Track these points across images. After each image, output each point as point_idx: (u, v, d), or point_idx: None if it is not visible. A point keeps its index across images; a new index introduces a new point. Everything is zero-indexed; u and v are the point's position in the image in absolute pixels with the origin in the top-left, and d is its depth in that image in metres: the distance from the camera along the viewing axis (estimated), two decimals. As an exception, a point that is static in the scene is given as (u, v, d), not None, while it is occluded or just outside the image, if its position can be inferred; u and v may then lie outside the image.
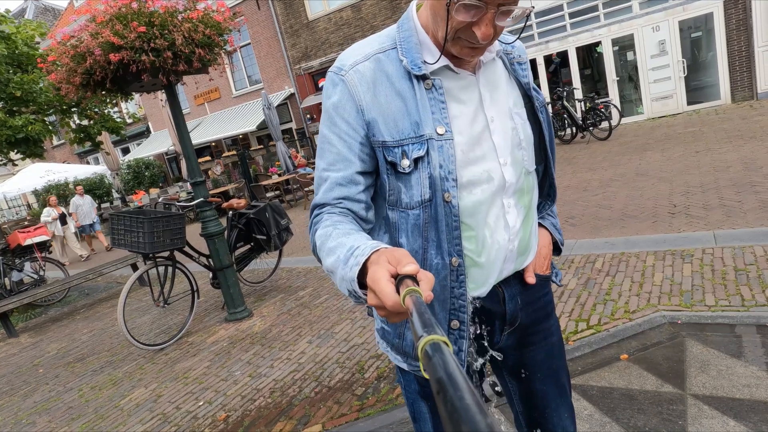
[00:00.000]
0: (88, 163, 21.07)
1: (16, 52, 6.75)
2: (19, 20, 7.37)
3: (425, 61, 0.88)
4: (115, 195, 15.82)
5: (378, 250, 0.68)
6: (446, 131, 0.87)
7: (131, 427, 2.89)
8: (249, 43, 15.27)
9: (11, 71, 6.71)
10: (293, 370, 3.12)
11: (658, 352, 2.45)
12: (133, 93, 4.38)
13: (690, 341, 2.48)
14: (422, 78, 0.88)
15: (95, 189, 16.39)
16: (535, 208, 1.06)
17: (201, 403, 2.97)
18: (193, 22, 3.42)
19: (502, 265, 0.97)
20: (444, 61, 0.88)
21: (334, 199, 0.90)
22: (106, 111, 7.79)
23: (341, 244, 0.77)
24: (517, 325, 1.05)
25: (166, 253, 3.98)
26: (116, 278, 7.91)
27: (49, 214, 10.00)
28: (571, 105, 10.24)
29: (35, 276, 7.28)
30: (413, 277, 0.58)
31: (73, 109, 7.36)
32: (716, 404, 2.00)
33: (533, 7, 1.00)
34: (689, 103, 10.12)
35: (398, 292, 0.57)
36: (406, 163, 0.87)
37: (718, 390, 2.09)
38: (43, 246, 7.34)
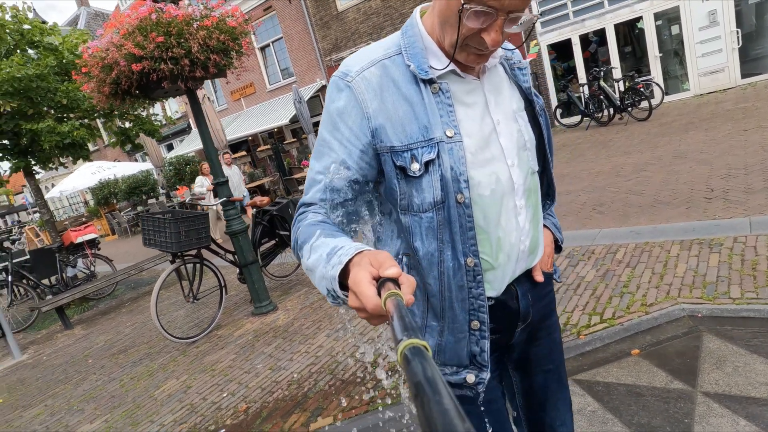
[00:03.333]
0: (136, 160, 22.15)
1: (64, 61, 7.17)
2: (68, 28, 7.79)
3: (431, 66, 0.89)
4: (161, 191, 16.59)
5: (361, 252, 0.68)
6: (455, 134, 0.88)
7: (163, 416, 3.09)
8: (281, 38, 15.49)
9: (59, 80, 7.14)
10: (310, 363, 3.24)
11: (672, 347, 2.38)
12: (160, 99, 4.57)
13: (708, 336, 2.38)
14: (429, 82, 0.88)
15: (141, 185, 17.22)
16: (541, 207, 1.07)
17: (225, 395, 3.14)
18: (208, 29, 3.53)
19: (515, 265, 0.99)
20: (450, 65, 0.89)
21: (322, 200, 0.91)
22: (143, 114, 8.15)
23: (324, 243, 0.78)
24: (528, 321, 1.07)
25: (193, 251, 4.18)
26: (159, 272, 8.34)
27: (202, 183, 8.72)
28: (609, 85, 9.79)
29: (87, 271, 7.80)
30: (395, 281, 0.59)
31: (115, 113, 7.77)
32: (728, 402, 1.93)
33: (540, 16, 0.99)
34: (744, 76, 9.40)
35: (380, 294, 0.57)
36: (416, 166, 0.87)
37: (732, 388, 2.01)
38: (93, 243, 7.82)
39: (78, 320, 6.74)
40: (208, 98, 11.20)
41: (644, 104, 8.95)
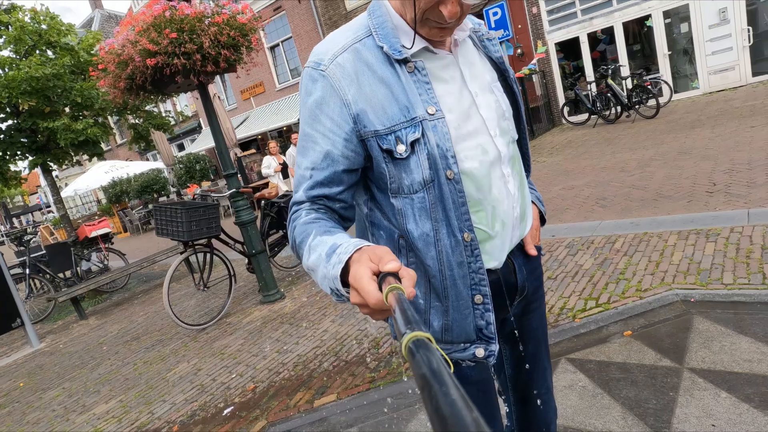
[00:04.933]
0: (147, 159, 22.49)
1: (80, 61, 7.38)
2: (83, 30, 8.00)
3: (403, 45, 0.88)
4: (171, 189, 16.87)
5: (360, 248, 0.68)
6: (437, 110, 0.88)
7: (174, 396, 3.23)
8: (290, 37, 15.69)
9: (74, 79, 7.34)
10: (316, 346, 3.36)
11: (664, 328, 2.46)
12: (173, 94, 4.73)
13: (698, 318, 2.46)
14: (404, 62, 0.88)
15: (152, 184, 17.51)
16: (524, 174, 1.10)
17: (233, 376, 3.27)
18: (218, 26, 3.67)
19: (511, 233, 1.00)
20: (422, 42, 0.88)
21: (314, 197, 0.90)
22: (155, 110, 8.35)
23: (323, 242, 0.77)
24: (525, 294, 1.10)
25: (203, 241, 4.33)
26: (170, 266, 8.52)
27: (269, 164, 8.13)
28: (617, 83, 9.82)
29: (100, 265, 8.01)
30: (395, 275, 0.59)
31: (126, 110, 7.96)
32: (712, 377, 2.02)
33: None
34: (755, 74, 9.35)
35: (381, 289, 0.58)
36: (401, 148, 0.87)
37: (717, 364, 2.09)
38: (106, 237, 8.03)
39: (92, 311, 6.92)
40: (218, 97, 11.40)
41: (652, 102, 8.98)
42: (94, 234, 7.87)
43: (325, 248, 0.75)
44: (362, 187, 1.00)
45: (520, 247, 1.07)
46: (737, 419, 1.78)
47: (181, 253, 4.34)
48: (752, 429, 1.71)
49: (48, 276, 7.33)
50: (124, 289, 7.90)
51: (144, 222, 17.30)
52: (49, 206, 27.69)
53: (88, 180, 15.97)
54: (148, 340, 4.63)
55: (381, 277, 0.60)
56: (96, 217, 17.12)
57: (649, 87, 9.01)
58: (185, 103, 19.24)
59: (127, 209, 18.36)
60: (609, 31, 10.80)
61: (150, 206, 17.43)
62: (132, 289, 7.76)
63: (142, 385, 3.59)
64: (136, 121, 8.31)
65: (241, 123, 17.09)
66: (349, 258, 0.68)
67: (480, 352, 0.97)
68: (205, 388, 3.22)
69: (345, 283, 0.69)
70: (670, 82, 9.94)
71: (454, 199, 0.89)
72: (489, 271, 0.97)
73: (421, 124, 0.86)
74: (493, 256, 0.97)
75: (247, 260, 4.76)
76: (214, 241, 4.48)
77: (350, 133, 0.88)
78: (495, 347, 0.97)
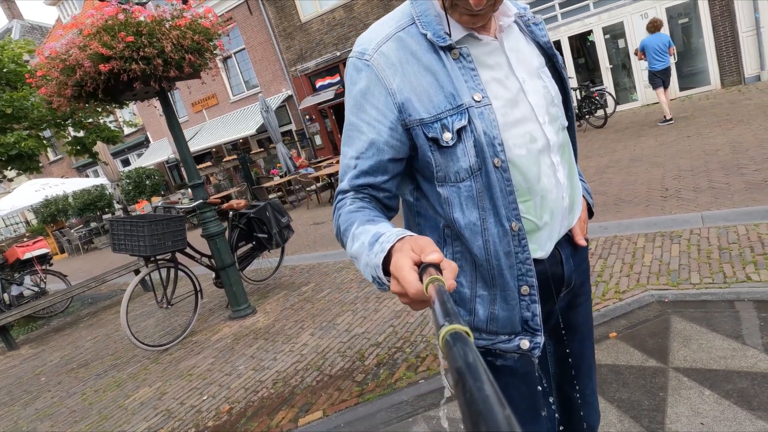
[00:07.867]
0: (87, 176, 21.16)
1: (4, 70, 6.80)
2: (3, 39, 7.41)
3: (447, 33, 0.86)
4: (117, 206, 15.92)
5: (403, 237, 0.68)
6: (483, 97, 0.86)
7: (135, 425, 2.95)
8: (244, 48, 15.38)
9: (1, 89, 6.75)
10: (296, 361, 3.21)
11: (645, 329, 2.53)
12: (128, 102, 4.44)
13: (675, 318, 2.56)
14: (448, 49, 0.86)
15: (96, 201, 16.47)
16: (574, 162, 1.07)
17: (205, 398, 3.05)
18: (181, 30, 3.48)
19: (560, 223, 0.98)
20: (466, 29, 0.87)
21: (359, 186, 0.90)
22: (101, 121, 7.83)
23: (366, 230, 0.77)
24: (571, 287, 1.07)
25: (167, 255, 4.06)
26: (120, 286, 7.97)
27: None
28: (568, 94, 10.29)
29: (36, 289, 7.30)
30: (437, 266, 0.59)
31: (67, 122, 7.41)
32: (695, 376, 2.09)
33: None
34: (681, 89, 10.16)
35: (421, 280, 0.58)
36: (448, 136, 0.86)
37: (697, 363, 2.17)
38: (44, 259, 7.37)
39: (24, 340, 6.30)
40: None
41: (600, 112, 9.46)
42: (28, 255, 7.18)
43: (368, 237, 0.75)
44: (407, 177, 0.98)
45: (568, 238, 1.04)
46: (721, 416, 1.83)
47: (136, 272, 4.03)
48: (735, 425, 1.77)
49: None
50: (66, 313, 7.28)
51: (85, 241, 16.18)
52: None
53: (14, 200, 14.73)
54: (100, 365, 4.26)
55: (422, 267, 0.60)
56: (25, 239, 15.82)
57: (596, 98, 9.52)
58: (133, 113, 18.32)
59: (65, 228, 17.11)
60: (557, 45, 11.39)
61: (92, 225, 16.36)
62: (75, 313, 7.17)
63: (94, 416, 3.25)
64: (78, 134, 7.77)
65: (193, 136, 16.46)
66: (392, 247, 0.68)
67: (525, 343, 0.95)
68: (172, 413, 2.98)
69: (387, 272, 0.69)
70: (614, 94, 10.57)
71: (502, 187, 0.88)
72: (535, 261, 0.95)
73: (467, 111, 0.85)
74: (540, 246, 0.95)
75: (214, 274, 4.51)
76: (179, 255, 4.21)
77: (395, 122, 0.87)
78: (540, 339, 0.95)
